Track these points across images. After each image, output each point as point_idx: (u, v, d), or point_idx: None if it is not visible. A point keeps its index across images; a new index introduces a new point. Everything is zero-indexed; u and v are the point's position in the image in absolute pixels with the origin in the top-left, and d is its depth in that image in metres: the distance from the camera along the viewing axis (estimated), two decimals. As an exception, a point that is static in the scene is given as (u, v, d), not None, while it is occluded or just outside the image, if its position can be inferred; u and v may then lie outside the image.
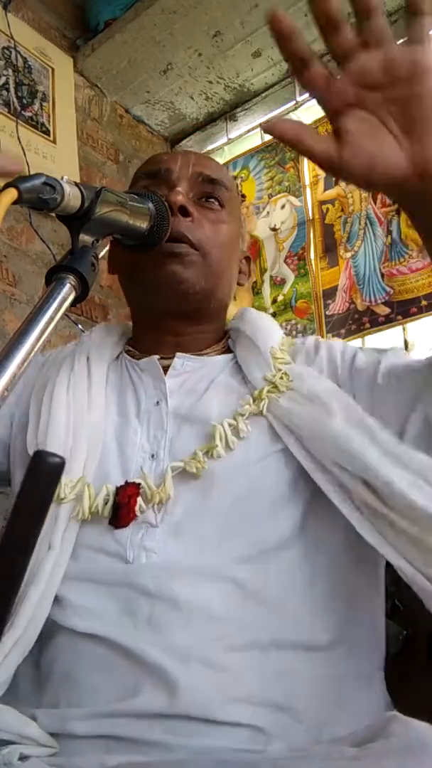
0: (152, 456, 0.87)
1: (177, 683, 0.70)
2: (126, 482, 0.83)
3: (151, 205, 0.71)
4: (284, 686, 0.74)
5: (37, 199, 0.51)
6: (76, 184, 0.56)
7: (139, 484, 0.82)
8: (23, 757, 0.70)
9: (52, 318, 0.56)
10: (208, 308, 0.99)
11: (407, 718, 0.60)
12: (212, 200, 0.99)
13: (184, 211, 0.93)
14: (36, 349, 0.51)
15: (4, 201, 0.48)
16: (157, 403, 0.91)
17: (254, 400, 0.88)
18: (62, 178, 0.53)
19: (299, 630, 0.77)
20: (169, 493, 0.81)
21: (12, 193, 0.48)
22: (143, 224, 0.69)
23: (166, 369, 0.95)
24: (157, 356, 0.95)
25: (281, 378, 0.89)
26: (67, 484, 0.83)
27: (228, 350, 1.01)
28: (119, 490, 0.82)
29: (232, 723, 0.70)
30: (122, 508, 0.80)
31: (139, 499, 0.81)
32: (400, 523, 0.73)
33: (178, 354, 0.96)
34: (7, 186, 0.49)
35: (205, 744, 0.68)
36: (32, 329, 0.52)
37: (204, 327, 1.00)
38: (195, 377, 0.95)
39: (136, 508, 0.80)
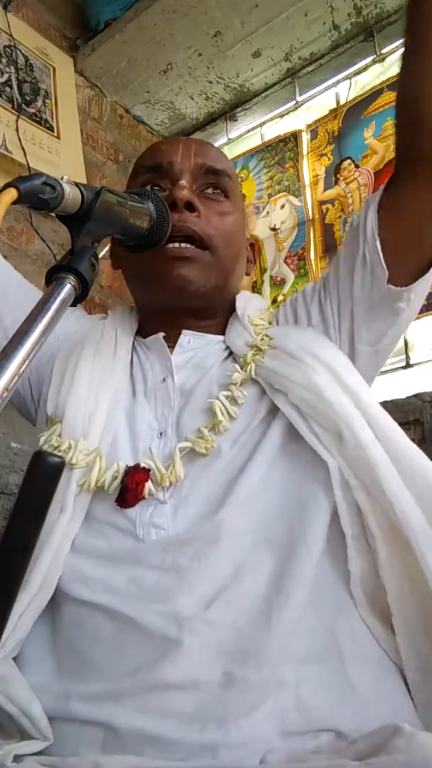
0: (160, 434, 0.88)
1: (180, 646, 0.71)
2: (136, 465, 0.83)
3: (150, 204, 0.71)
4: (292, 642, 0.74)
5: (37, 199, 0.51)
6: (76, 184, 0.56)
7: (149, 469, 0.83)
8: (17, 757, 0.70)
9: (52, 318, 0.56)
10: (217, 304, 0.99)
11: (411, 730, 0.60)
12: (217, 191, 0.98)
13: (190, 207, 0.92)
14: (36, 349, 0.51)
15: (4, 201, 0.48)
16: (164, 380, 0.92)
17: (242, 367, 0.89)
18: (62, 178, 0.53)
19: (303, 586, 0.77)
20: (179, 474, 0.82)
21: (12, 193, 0.48)
22: (143, 224, 0.69)
23: (173, 348, 0.96)
24: (162, 333, 0.96)
25: (262, 339, 0.90)
26: (81, 450, 0.83)
27: None
28: (128, 471, 0.83)
29: (231, 681, 0.70)
30: (129, 492, 0.81)
31: (149, 484, 0.82)
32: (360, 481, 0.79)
33: (184, 331, 0.97)
34: (7, 186, 0.49)
35: (203, 740, 0.68)
36: (33, 329, 0.52)
37: (209, 321, 1.00)
38: (202, 354, 0.96)
39: (145, 492, 0.81)
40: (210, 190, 0.98)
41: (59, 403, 0.89)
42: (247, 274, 1.10)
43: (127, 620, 0.75)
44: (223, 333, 1.00)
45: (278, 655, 0.72)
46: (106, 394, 0.89)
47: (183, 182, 0.94)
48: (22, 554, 0.46)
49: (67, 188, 0.53)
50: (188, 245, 0.92)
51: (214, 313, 1.00)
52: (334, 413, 0.80)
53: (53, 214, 0.57)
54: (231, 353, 0.96)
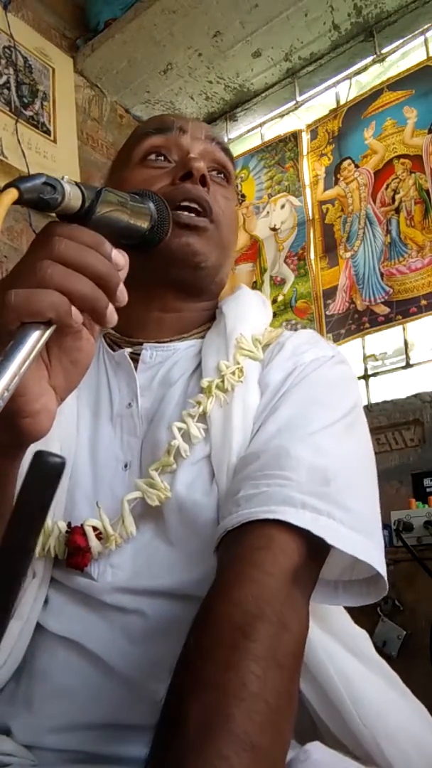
0: (125, 466, 0.80)
1: (151, 693, 0.68)
2: (80, 529, 0.75)
3: (151, 204, 0.70)
4: None
5: (38, 199, 0.51)
6: (77, 184, 0.55)
7: (98, 530, 0.76)
8: (2, 765, 0.69)
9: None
10: (209, 285, 0.91)
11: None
12: (222, 175, 0.94)
13: (204, 180, 0.87)
14: (37, 348, 0.51)
15: (5, 201, 0.47)
16: (129, 405, 0.84)
17: (205, 396, 0.79)
18: (63, 178, 0.53)
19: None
20: (130, 531, 0.75)
21: (12, 194, 0.48)
22: (144, 224, 0.68)
23: (138, 360, 0.88)
24: (128, 349, 0.88)
25: (233, 373, 0.80)
26: None
27: None
28: (71, 536, 0.75)
29: None
30: (75, 558, 0.75)
31: (95, 546, 0.75)
32: None
33: (145, 345, 0.88)
34: (7, 186, 0.49)
35: None
36: (34, 329, 0.52)
37: (196, 305, 0.91)
38: (165, 368, 0.87)
39: (93, 554, 0.75)
40: (215, 173, 0.93)
41: None
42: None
43: (94, 658, 0.72)
44: (202, 324, 0.92)
45: None
46: (54, 444, 0.79)
47: (197, 155, 0.88)
48: (23, 554, 0.45)
49: (67, 188, 0.53)
50: (200, 216, 0.86)
51: (203, 295, 0.91)
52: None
53: (53, 214, 0.57)
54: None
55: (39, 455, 0.45)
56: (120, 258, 0.57)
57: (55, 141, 2.40)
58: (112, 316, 0.57)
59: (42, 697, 0.73)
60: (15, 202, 0.49)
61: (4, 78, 2.30)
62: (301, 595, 0.63)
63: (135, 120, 2.94)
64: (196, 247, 0.85)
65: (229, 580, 0.61)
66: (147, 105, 2.91)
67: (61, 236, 0.54)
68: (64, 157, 2.43)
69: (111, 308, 0.57)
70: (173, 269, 0.86)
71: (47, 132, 2.39)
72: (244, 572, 0.61)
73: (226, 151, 0.95)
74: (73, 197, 0.54)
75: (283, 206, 2.72)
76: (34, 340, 0.50)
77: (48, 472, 0.45)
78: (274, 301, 2.63)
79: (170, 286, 0.88)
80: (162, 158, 0.90)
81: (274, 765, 0.52)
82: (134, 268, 0.73)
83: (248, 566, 0.61)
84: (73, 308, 0.53)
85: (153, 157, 0.90)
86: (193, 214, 0.86)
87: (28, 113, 2.34)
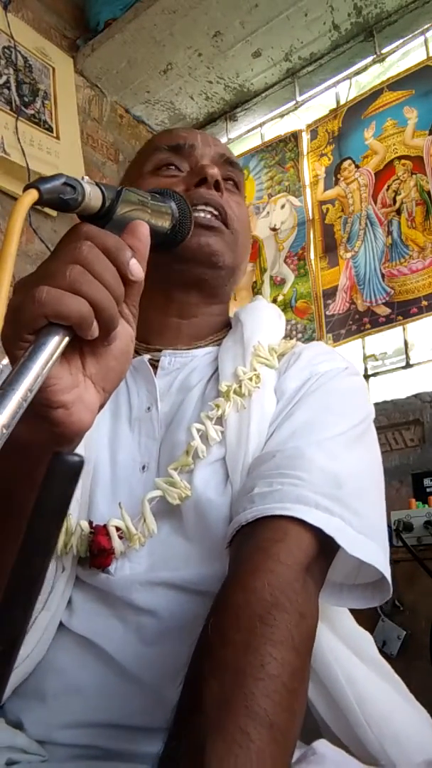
0: (143, 467, 0.82)
1: (164, 698, 0.68)
2: (103, 529, 0.77)
3: (173, 204, 0.69)
4: None
5: (58, 199, 0.51)
6: (97, 184, 0.55)
7: (119, 529, 0.77)
8: (11, 763, 0.69)
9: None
10: (224, 287, 0.94)
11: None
12: (231, 182, 0.97)
13: (218, 186, 0.90)
14: (57, 354, 0.51)
15: (26, 202, 0.47)
16: (148, 408, 0.86)
17: (224, 399, 0.81)
18: (83, 178, 0.53)
19: None
20: (152, 529, 0.77)
21: (33, 195, 0.48)
22: (165, 224, 0.68)
23: (157, 366, 0.90)
24: (147, 356, 0.90)
25: (250, 379, 0.82)
26: None
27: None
28: (95, 535, 0.77)
29: None
30: (97, 558, 0.77)
31: (118, 544, 0.76)
32: None
33: (164, 351, 0.91)
34: (28, 187, 0.49)
35: None
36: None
37: (213, 309, 0.94)
38: (184, 374, 0.89)
39: (116, 553, 0.76)
40: (226, 181, 0.95)
41: None
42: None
43: (111, 660, 0.73)
44: (217, 331, 0.95)
45: None
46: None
47: (210, 162, 0.92)
48: (42, 554, 0.46)
49: (87, 188, 0.53)
50: (216, 218, 0.90)
51: (218, 298, 0.94)
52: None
53: (54, 214, 0.57)
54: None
55: (57, 455, 0.45)
56: (136, 268, 0.56)
57: (57, 138, 2.40)
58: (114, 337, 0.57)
59: (55, 693, 0.74)
60: (35, 203, 0.49)
61: (4, 78, 2.29)
62: (313, 586, 0.65)
63: (135, 120, 2.94)
64: (215, 247, 0.88)
65: (246, 569, 0.62)
66: (147, 105, 2.91)
67: (90, 240, 0.53)
68: (68, 154, 2.41)
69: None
70: (193, 268, 0.88)
71: (49, 129, 2.38)
72: (261, 563, 0.62)
73: (234, 164, 0.98)
74: (93, 197, 0.53)
75: (283, 206, 2.73)
76: (55, 344, 0.50)
77: (66, 472, 0.45)
78: (273, 301, 2.63)
79: (190, 286, 0.91)
80: (173, 167, 0.93)
81: (288, 745, 0.53)
82: (153, 271, 0.72)
83: (264, 557, 0.63)
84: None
85: (164, 168, 0.94)
86: (211, 216, 0.88)
87: (30, 112, 2.33)
